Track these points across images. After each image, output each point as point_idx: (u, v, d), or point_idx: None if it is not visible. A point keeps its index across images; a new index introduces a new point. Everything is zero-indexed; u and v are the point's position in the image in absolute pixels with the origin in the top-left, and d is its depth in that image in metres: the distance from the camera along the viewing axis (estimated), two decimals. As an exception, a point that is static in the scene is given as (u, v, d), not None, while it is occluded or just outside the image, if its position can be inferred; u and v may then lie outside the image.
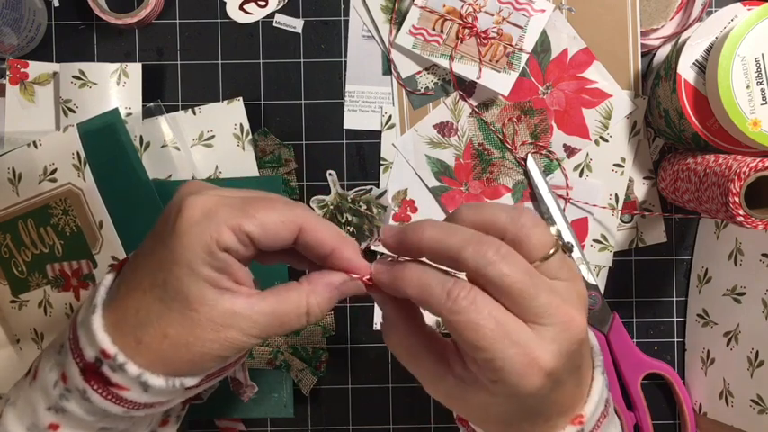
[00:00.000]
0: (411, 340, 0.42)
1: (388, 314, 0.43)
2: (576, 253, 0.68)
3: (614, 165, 0.69)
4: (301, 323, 0.41)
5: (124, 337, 0.40)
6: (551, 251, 0.39)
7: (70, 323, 0.42)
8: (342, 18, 0.70)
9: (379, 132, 0.70)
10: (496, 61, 0.68)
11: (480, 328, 0.37)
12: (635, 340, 0.71)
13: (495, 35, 0.67)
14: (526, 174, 0.69)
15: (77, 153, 0.64)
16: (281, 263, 0.45)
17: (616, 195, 0.69)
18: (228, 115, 0.69)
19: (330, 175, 0.70)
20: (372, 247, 0.69)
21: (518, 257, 0.38)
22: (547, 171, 0.69)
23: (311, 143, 0.70)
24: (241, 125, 0.69)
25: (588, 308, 0.68)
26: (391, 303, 0.43)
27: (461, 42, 0.68)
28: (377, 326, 0.71)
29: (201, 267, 0.38)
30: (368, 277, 0.42)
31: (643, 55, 0.69)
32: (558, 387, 0.39)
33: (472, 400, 0.41)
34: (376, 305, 0.70)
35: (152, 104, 0.68)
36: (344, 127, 0.70)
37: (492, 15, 0.67)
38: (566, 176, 0.69)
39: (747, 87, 0.57)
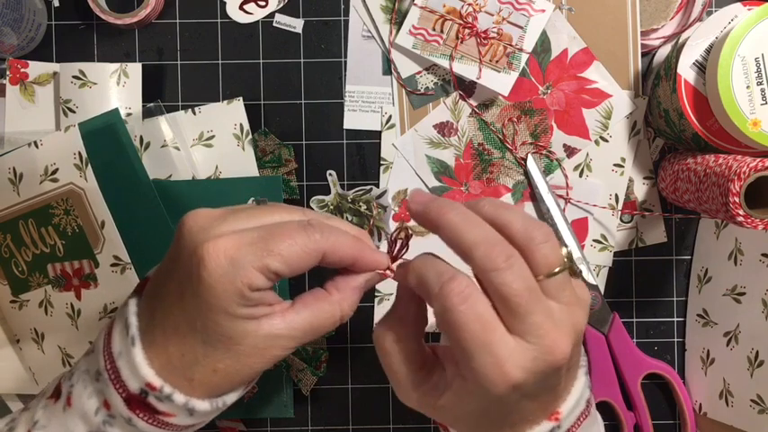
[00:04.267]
0: (401, 347, 0.43)
1: (395, 315, 0.44)
2: (575, 253, 0.68)
3: (614, 165, 0.69)
4: (336, 327, 0.43)
5: (176, 378, 0.41)
6: (556, 270, 0.39)
7: (104, 353, 0.42)
8: (342, 18, 0.70)
9: (379, 132, 0.70)
10: (496, 61, 0.68)
11: (464, 330, 0.38)
12: (635, 340, 0.71)
13: (495, 35, 0.67)
14: (526, 174, 0.69)
15: (79, 153, 0.64)
16: None
17: (616, 195, 0.69)
18: (228, 115, 0.69)
19: (330, 175, 0.70)
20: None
21: (524, 270, 0.39)
22: (547, 171, 0.69)
23: (311, 143, 0.70)
24: (241, 125, 0.69)
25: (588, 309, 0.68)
26: (404, 306, 0.44)
27: (461, 42, 0.68)
28: (377, 326, 0.71)
29: (237, 309, 0.39)
30: (388, 268, 0.44)
31: (643, 55, 0.69)
32: (527, 400, 0.40)
33: (442, 402, 0.41)
34: (375, 306, 0.70)
35: (152, 104, 0.68)
36: (344, 127, 0.70)
37: (492, 15, 0.67)
38: (566, 176, 0.69)
39: (747, 87, 0.57)
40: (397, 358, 0.43)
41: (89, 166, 0.64)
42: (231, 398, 0.43)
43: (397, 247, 0.44)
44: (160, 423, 0.41)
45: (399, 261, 0.44)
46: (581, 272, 0.42)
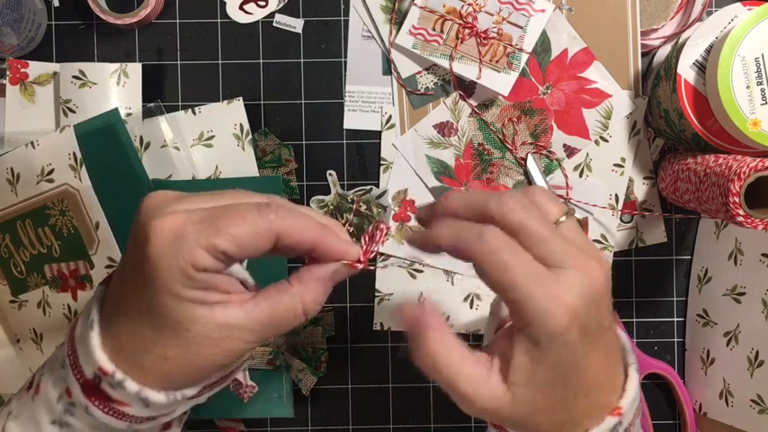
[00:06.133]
0: (448, 344, 0.41)
1: (422, 319, 0.41)
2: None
3: (614, 165, 0.69)
4: (299, 322, 0.41)
5: (126, 362, 0.40)
6: (562, 218, 0.41)
7: (68, 338, 0.42)
8: (342, 18, 0.70)
9: (379, 132, 0.70)
10: (496, 61, 0.68)
11: (511, 269, 0.38)
12: (635, 340, 0.71)
13: (495, 35, 0.67)
14: (526, 174, 0.70)
15: (74, 153, 0.64)
16: (276, 257, 0.44)
17: (616, 195, 0.69)
18: (228, 115, 0.69)
19: (330, 175, 0.70)
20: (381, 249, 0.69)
21: (536, 209, 0.40)
22: (547, 171, 0.69)
23: (311, 143, 0.70)
24: (241, 125, 0.69)
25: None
26: (431, 315, 0.42)
27: (461, 42, 0.68)
28: (377, 326, 0.71)
29: (183, 290, 0.38)
30: (358, 259, 0.41)
31: (643, 55, 0.69)
32: (587, 342, 0.39)
33: (513, 379, 0.40)
34: (375, 306, 0.70)
35: (152, 104, 0.68)
36: (344, 127, 0.70)
37: (492, 15, 0.67)
38: (566, 176, 0.69)
39: (747, 87, 0.57)
40: (447, 362, 0.40)
41: (83, 166, 0.64)
42: (189, 392, 0.41)
43: (368, 242, 0.42)
44: (116, 413, 0.40)
45: (379, 255, 0.43)
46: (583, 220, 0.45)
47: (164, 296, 0.38)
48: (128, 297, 0.40)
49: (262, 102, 0.70)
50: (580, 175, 0.70)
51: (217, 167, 0.69)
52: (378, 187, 0.70)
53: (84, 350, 0.40)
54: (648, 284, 0.71)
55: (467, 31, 0.67)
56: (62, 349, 0.42)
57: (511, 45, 0.67)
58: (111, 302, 0.41)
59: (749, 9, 0.60)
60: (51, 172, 0.65)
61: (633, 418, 0.43)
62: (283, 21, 0.70)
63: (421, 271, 0.70)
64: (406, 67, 0.69)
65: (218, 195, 0.41)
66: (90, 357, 0.40)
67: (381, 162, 0.70)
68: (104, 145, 0.64)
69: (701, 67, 0.61)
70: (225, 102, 0.69)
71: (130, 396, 0.40)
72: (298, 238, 0.39)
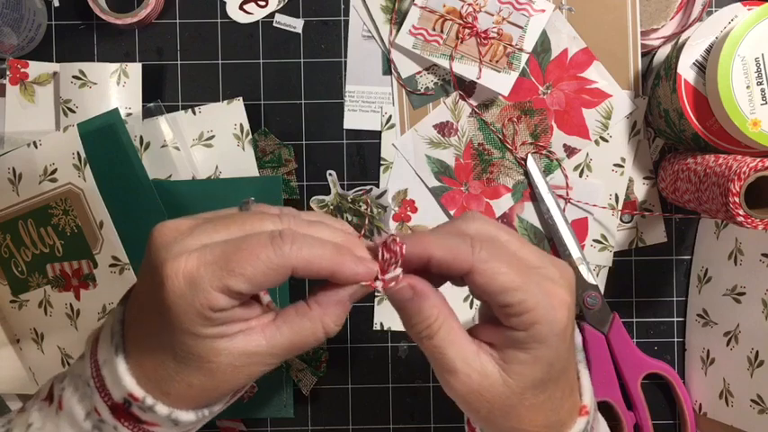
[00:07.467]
0: (446, 313, 0.41)
1: (419, 287, 0.41)
2: (575, 253, 0.68)
3: (614, 165, 0.69)
4: (320, 342, 0.41)
5: (152, 390, 0.40)
6: None
7: (91, 360, 0.42)
8: (342, 18, 0.70)
9: (379, 132, 0.70)
10: (496, 61, 0.68)
11: (508, 273, 0.38)
12: (635, 340, 0.71)
13: (495, 35, 0.67)
14: (526, 174, 0.69)
15: (78, 153, 0.64)
16: None
17: (616, 195, 0.69)
18: (228, 115, 0.69)
19: (330, 175, 0.70)
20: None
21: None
22: (547, 171, 0.69)
23: (311, 143, 0.70)
24: (241, 125, 0.69)
25: (588, 308, 0.68)
26: (435, 301, 0.41)
27: (461, 42, 0.68)
28: (377, 326, 0.71)
29: (202, 330, 0.38)
30: (376, 279, 0.40)
31: (643, 55, 0.69)
32: (572, 338, 0.41)
33: (507, 370, 0.40)
34: (375, 306, 0.70)
35: (152, 104, 0.68)
36: (344, 127, 0.70)
37: (492, 15, 0.67)
38: (566, 176, 0.69)
39: (747, 87, 0.57)
40: (453, 335, 0.41)
41: (87, 166, 0.64)
42: (217, 408, 0.43)
43: (384, 258, 0.40)
44: None
45: (392, 274, 0.40)
46: None
47: (183, 336, 0.38)
48: (147, 328, 0.40)
49: (262, 102, 0.70)
50: (580, 175, 0.69)
51: (217, 167, 0.69)
52: (378, 187, 0.70)
53: (111, 375, 0.40)
54: (648, 284, 0.71)
55: (467, 31, 0.67)
56: (84, 367, 0.42)
57: (511, 45, 0.67)
58: (132, 328, 0.41)
59: (749, 9, 0.60)
60: (54, 171, 0.65)
61: (594, 413, 0.44)
62: (283, 21, 0.70)
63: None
64: (406, 67, 0.69)
65: (230, 222, 0.40)
66: (118, 383, 0.40)
67: (381, 162, 0.70)
68: (105, 145, 0.64)
69: (701, 67, 0.61)
70: (225, 102, 0.69)
71: (161, 418, 0.40)
72: (314, 269, 0.39)
